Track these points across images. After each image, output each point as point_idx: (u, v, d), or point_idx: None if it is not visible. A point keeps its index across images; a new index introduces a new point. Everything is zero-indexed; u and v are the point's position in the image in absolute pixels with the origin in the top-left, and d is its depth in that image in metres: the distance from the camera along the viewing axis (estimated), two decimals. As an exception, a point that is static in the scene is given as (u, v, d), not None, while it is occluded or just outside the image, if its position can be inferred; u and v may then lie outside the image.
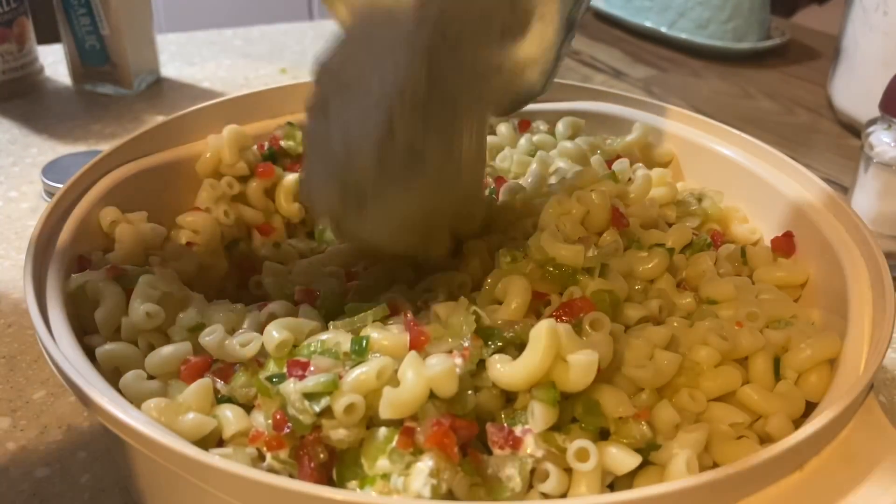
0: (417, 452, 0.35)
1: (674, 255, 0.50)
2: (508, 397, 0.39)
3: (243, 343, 0.42)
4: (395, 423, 0.37)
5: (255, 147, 0.62)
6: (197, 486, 0.34)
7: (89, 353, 0.42)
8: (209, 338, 0.42)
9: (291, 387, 0.37)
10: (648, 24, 1.23)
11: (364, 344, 0.40)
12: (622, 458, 0.37)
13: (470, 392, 0.38)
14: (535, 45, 0.41)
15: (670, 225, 0.55)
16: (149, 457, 0.35)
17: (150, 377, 0.42)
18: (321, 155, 0.42)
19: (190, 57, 1.13)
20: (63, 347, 0.40)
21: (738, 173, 0.59)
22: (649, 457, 0.38)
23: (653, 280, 0.49)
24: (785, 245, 0.53)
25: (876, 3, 0.87)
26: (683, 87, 1.09)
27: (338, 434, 0.37)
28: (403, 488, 0.35)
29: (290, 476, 0.37)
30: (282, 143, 0.63)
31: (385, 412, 0.36)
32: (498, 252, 0.47)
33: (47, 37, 1.03)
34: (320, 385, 0.37)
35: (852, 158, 0.74)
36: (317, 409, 0.37)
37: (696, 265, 0.51)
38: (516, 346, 0.40)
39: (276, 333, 0.41)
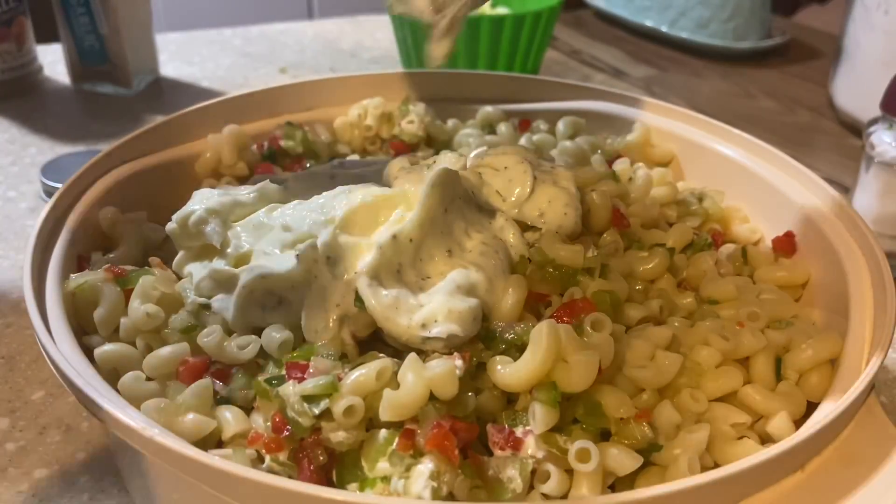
0: (418, 455, 0.35)
1: (674, 255, 0.50)
2: (509, 398, 0.39)
3: (242, 345, 0.41)
4: (395, 426, 0.36)
5: (255, 147, 0.62)
6: (196, 486, 0.33)
7: (88, 353, 0.41)
8: (207, 339, 0.41)
9: (290, 389, 0.37)
10: (649, 23, 1.23)
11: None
12: (623, 459, 0.37)
13: (470, 394, 0.38)
14: None
15: (671, 225, 0.55)
16: (148, 457, 0.35)
17: (149, 378, 0.41)
18: None
19: (189, 56, 1.12)
20: (62, 348, 0.40)
21: (738, 173, 0.59)
22: (650, 457, 0.38)
23: (653, 280, 0.49)
24: (786, 245, 0.53)
25: (877, 2, 0.87)
26: (684, 87, 1.09)
27: (337, 436, 0.36)
28: (404, 490, 0.35)
29: (290, 478, 0.37)
30: (281, 142, 0.62)
31: (385, 414, 0.36)
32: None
33: (46, 36, 1.03)
34: (319, 387, 0.37)
35: (853, 158, 0.74)
36: (316, 411, 0.36)
37: (697, 265, 0.51)
38: (517, 348, 0.40)
39: (275, 334, 0.41)
